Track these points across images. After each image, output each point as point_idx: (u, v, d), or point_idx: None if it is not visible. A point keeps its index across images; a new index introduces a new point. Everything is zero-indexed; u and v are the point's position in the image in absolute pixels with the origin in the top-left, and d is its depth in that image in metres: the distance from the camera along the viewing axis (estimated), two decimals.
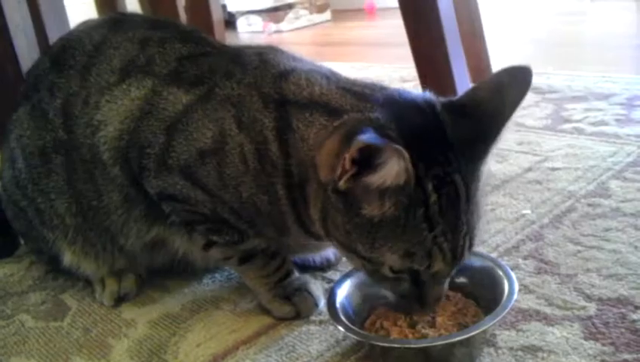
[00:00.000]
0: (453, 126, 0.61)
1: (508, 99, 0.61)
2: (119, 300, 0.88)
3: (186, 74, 0.75)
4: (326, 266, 0.88)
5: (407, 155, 0.54)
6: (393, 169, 0.55)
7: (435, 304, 0.66)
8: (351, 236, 0.62)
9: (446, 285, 0.65)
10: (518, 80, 0.62)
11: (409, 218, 0.58)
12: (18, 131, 0.87)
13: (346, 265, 0.86)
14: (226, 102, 0.71)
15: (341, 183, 0.58)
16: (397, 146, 0.54)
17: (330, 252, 0.85)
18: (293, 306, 0.78)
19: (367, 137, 0.54)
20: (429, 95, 0.65)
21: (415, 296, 0.64)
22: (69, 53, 0.84)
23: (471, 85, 1.15)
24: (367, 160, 0.55)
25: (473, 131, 0.61)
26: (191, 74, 0.75)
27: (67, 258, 0.88)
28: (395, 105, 0.64)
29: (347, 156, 0.56)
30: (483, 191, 0.63)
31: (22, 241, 1.08)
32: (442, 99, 0.65)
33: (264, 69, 0.73)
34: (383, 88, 0.68)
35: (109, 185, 0.78)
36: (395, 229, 0.59)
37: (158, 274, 0.91)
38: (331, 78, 0.71)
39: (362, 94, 0.66)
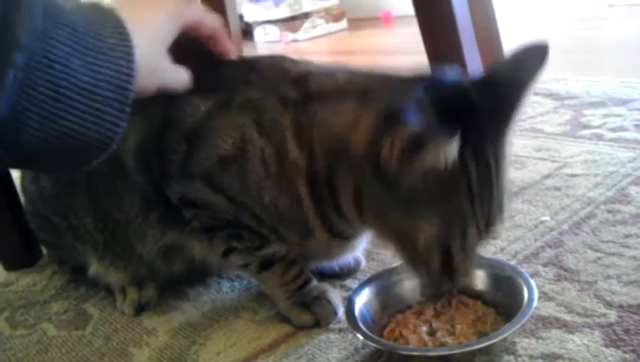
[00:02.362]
0: (479, 98, 0.62)
1: (526, 69, 0.63)
2: (140, 309, 0.89)
3: (204, 83, 0.76)
4: (345, 273, 0.88)
5: (451, 141, 0.56)
6: (439, 153, 0.57)
7: (465, 277, 0.68)
8: (388, 210, 0.64)
9: (475, 259, 0.67)
10: (535, 52, 0.64)
11: (451, 190, 0.60)
12: None
13: (364, 272, 0.86)
14: (245, 108, 0.72)
15: (391, 163, 0.59)
16: (443, 134, 0.56)
17: (350, 258, 0.85)
18: (313, 314, 0.78)
19: (415, 121, 0.55)
20: (452, 68, 0.66)
21: (446, 272, 0.65)
22: None
23: None
24: (414, 142, 0.57)
25: (497, 102, 0.62)
26: (208, 83, 0.76)
27: (93, 268, 0.90)
28: (423, 82, 0.64)
29: (398, 138, 0.57)
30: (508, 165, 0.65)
31: (44, 251, 1.09)
32: (466, 75, 0.66)
33: (281, 74, 0.74)
34: (404, 70, 0.69)
35: (130, 193, 0.79)
36: (435, 201, 0.61)
37: (178, 283, 0.92)
38: (350, 69, 0.74)
39: (385, 75, 0.69)
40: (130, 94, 0.58)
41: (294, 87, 0.71)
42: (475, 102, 0.61)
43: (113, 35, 0.58)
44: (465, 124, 0.59)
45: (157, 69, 0.66)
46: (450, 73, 0.65)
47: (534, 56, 0.64)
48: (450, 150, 0.57)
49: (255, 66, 0.77)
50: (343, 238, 0.75)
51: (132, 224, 0.81)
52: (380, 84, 0.68)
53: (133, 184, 0.79)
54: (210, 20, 0.76)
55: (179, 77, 0.71)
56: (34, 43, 0.52)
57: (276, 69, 0.75)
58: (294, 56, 0.79)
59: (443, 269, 0.65)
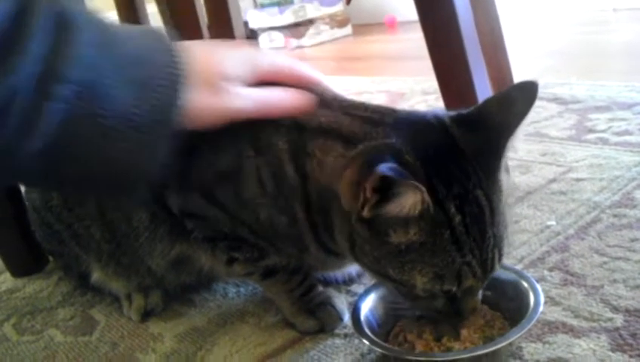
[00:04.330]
0: (464, 140, 0.61)
1: (514, 111, 0.62)
2: (146, 315, 0.89)
3: None
4: (348, 281, 0.88)
5: (422, 188, 0.55)
6: (409, 200, 0.56)
7: (471, 314, 0.66)
8: (380, 262, 0.62)
9: (479, 295, 0.66)
10: (525, 93, 0.63)
11: (436, 242, 0.59)
12: None
13: (369, 278, 0.86)
14: (240, 126, 0.71)
15: (365, 212, 0.59)
16: (411, 181, 0.55)
17: (352, 268, 0.85)
18: (318, 320, 0.78)
19: (385, 168, 0.54)
20: (438, 111, 0.66)
21: (450, 312, 0.65)
22: None
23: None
24: (386, 189, 0.56)
25: (483, 143, 0.61)
26: None
27: (95, 276, 0.90)
28: (407, 126, 0.64)
29: (368, 186, 0.56)
30: (507, 201, 0.63)
31: (50, 258, 1.10)
32: (451, 113, 0.65)
33: None
34: (389, 110, 0.68)
35: (138, 206, 0.80)
36: (423, 253, 0.59)
37: (186, 291, 0.92)
38: (334, 103, 0.71)
39: (371, 119, 0.66)
40: (175, 127, 0.58)
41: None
42: (460, 147, 0.61)
43: (164, 63, 0.58)
44: (447, 169, 0.59)
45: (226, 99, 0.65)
46: (435, 115, 0.64)
47: (524, 97, 0.62)
48: (417, 203, 0.56)
49: None
50: (339, 256, 0.73)
51: (140, 238, 0.81)
52: (364, 130, 0.65)
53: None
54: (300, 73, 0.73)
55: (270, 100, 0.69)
56: (82, 74, 0.51)
57: None
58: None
59: (447, 310, 0.64)
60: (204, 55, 0.65)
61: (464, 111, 0.65)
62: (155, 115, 0.56)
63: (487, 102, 0.65)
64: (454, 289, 0.61)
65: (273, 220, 0.71)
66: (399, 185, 0.55)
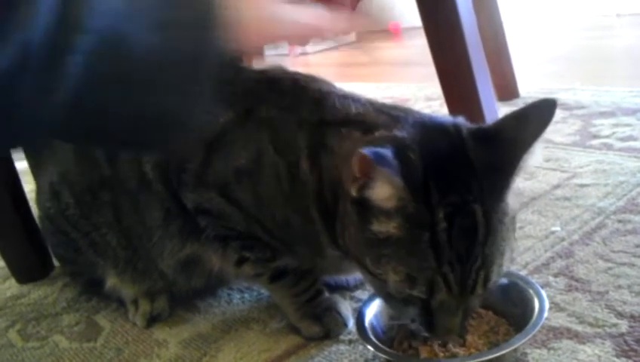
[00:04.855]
0: (478, 153, 0.60)
1: (529, 129, 0.60)
2: (152, 321, 0.89)
3: (223, 96, 0.76)
4: (355, 285, 0.88)
5: (399, 181, 0.55)
6: (383, 188, 0.56)
7: (445, 335, 0.63)
8: (362, 249, 0.63)
9: (459, 319, 0.62)
10: (542, 111, 0.61)
11: (414, 242, 0.58)
12: (61, 168, 0.89)
13: None
14: (262, 124, 0.72)
15: (353, 191, 0.59)
16: (386, 170, 0.55)
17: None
18: (322, 326, 0.78)
19: (370, 151, 0.55)
20: (460, 120, 0.65)
21: (423, 323, 0.63)
22: None
23: (496, 102, 1.15)
24: (367, 171, 0.56)
25: (496, 159, 0.60)
26: (228, 96, 0.76)
27: (111, 283, 0.91)
28: (424, 128, 0.64)
29: (354, 165, 0.57)
30: (510, 226, 0.61)
31: (55, 264, 1.10)
32: (471, 125, 0.64)
33: (300, 94, 0.74)
34: (415, 112, 0.69)
35: (151, 204, 0.80)
36: (400, 250, 0.59)
37: (195, 296, 0.92)
38: (365, 101, 0.72)
39: (395, 116, 0.68)
40: (214, 59, 0.52)
41: (310, 108, 0.72)
42: (470, 159, 0.60)
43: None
44: (449, 176, 0.58)
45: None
46: (455, 123, 0.64)
47: (541, 115, 0.61)
48: (391, 196, 0.56)
49: (275, 83, 0.77)
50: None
51: (153, 237, 0.82)
52: (385, 122, 0.66)
53: (155, 194, 0.79)
54: None
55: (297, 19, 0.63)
56: (101, 21, 0.46)
57: (295, 88, 0.75)
58: (303, 70, 0.80)
59: (420, 320, 0.63)
60: None
61: (484, 125, 0.65)
62: (189, 55, 0.51)
63: (505, 118, 0.64)
64: (424, 297, 0.59)
65: (289, 220, 0.71)
66: (375, 170, 0.55)
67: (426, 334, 0.64)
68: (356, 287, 0.88)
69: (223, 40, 0.52)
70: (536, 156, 0.60)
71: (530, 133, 0.60)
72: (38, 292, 1.06)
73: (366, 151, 0.55)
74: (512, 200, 0.61)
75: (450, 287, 0.58)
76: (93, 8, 0.46)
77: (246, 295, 0.92)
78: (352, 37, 3.58)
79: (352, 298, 0.86)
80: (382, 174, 0.56)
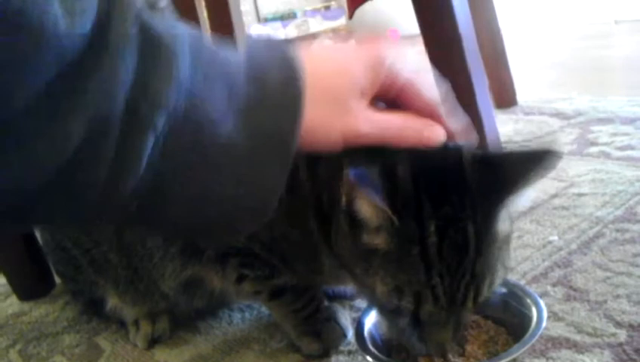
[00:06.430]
0: (474, 175, 0.59)
1: (528, 175, 0.59)
2: (153, 342, 0.89)
3: None
4: (353, 295, 0.88)
5: (379, 201, 0.55)
6: (365, 208, 0.57)
7: (436, 348, 0.63)
8: (352, 259, 0.63)
9: (450, 332, 0.62)
10: (544, 162, 0.59)
11: (403, 255, 0.57)
12: None
13: None
14: None
15: (343, 202, 0.59)
16: (367, 190, 0.55)
17: None
18: (322, 343, 0.78)
19: (353, 172, 0.55)
20: (463, 143, 0.64)
21: (414, 335, 0.62)
22: None
23: (494, 110, 1.16)
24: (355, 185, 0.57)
25: (490, 187, 0.59)
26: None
27: (112, 303, 0.90)
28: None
29: (342, 182, 0.58)
30: (502, 248, 0.60)
31: (57, 281, 1.09)
32: (474, 148, 0.63)
33: None
34: None
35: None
36: (389, 262, 0.59)
37: (197, 318, 0.92)
38: None
39: None
40: (292, 153, 0.50)
41: None
42: (467, 180, 0.59)
43: (279, 79, 0.49)
44: (443, 192, 0.58)
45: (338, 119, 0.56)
46: (458, 145, 0.62)
47: (543, 165, 0.59)
48: (373, 215, 0.56)
49: None
50: None
51: (154, 258, 0.81)
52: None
53: None
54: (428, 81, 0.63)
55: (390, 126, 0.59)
56: (178, 101, 0.42)
57: None
58: None
59: (410, 332, 0.62)
60: (325, 62, 0.57)
61: (489, 150, 0.64)
62: (267, 144, 0.48)
63: (511, 152, 0.64)
64: (411, 307, 0.59)
65: (288, 236, 0.71)
66: (357, 191, 0.56)
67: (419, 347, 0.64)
68: (355, 296, 0.88)
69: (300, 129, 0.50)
70: (524, 200, 0.60)
71: (525, 178, 0.58)
72: (39, 311, 1.05)
73: (350, 171, 0.55)
74: (507, 222, 0.60)
75: (437, 299, 0.58)
76: (170, 83, 0.42)
77: (247, 314, 0.92)
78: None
79: (351, 307, 0.86)
80: (364, 194, 0.56)
